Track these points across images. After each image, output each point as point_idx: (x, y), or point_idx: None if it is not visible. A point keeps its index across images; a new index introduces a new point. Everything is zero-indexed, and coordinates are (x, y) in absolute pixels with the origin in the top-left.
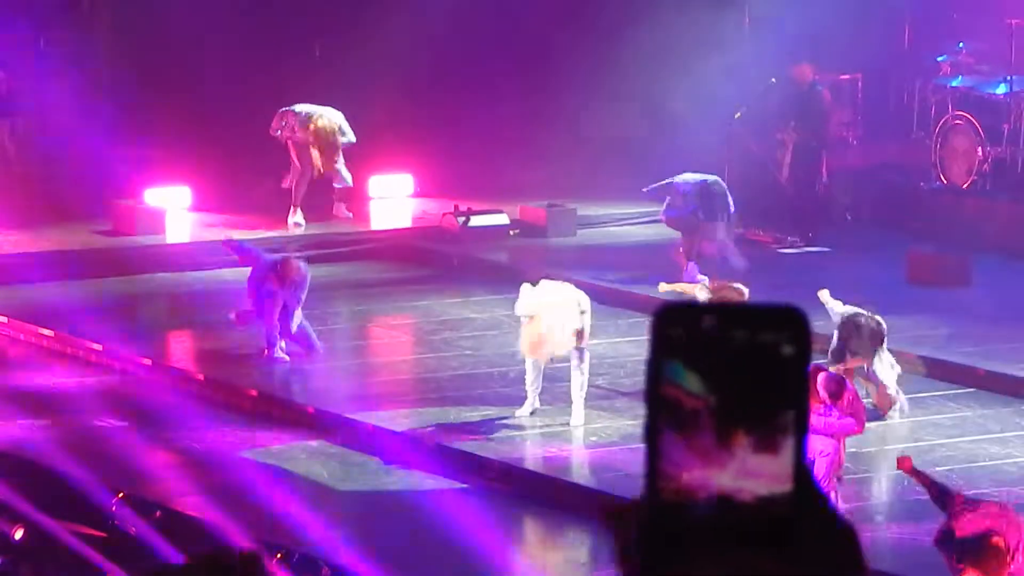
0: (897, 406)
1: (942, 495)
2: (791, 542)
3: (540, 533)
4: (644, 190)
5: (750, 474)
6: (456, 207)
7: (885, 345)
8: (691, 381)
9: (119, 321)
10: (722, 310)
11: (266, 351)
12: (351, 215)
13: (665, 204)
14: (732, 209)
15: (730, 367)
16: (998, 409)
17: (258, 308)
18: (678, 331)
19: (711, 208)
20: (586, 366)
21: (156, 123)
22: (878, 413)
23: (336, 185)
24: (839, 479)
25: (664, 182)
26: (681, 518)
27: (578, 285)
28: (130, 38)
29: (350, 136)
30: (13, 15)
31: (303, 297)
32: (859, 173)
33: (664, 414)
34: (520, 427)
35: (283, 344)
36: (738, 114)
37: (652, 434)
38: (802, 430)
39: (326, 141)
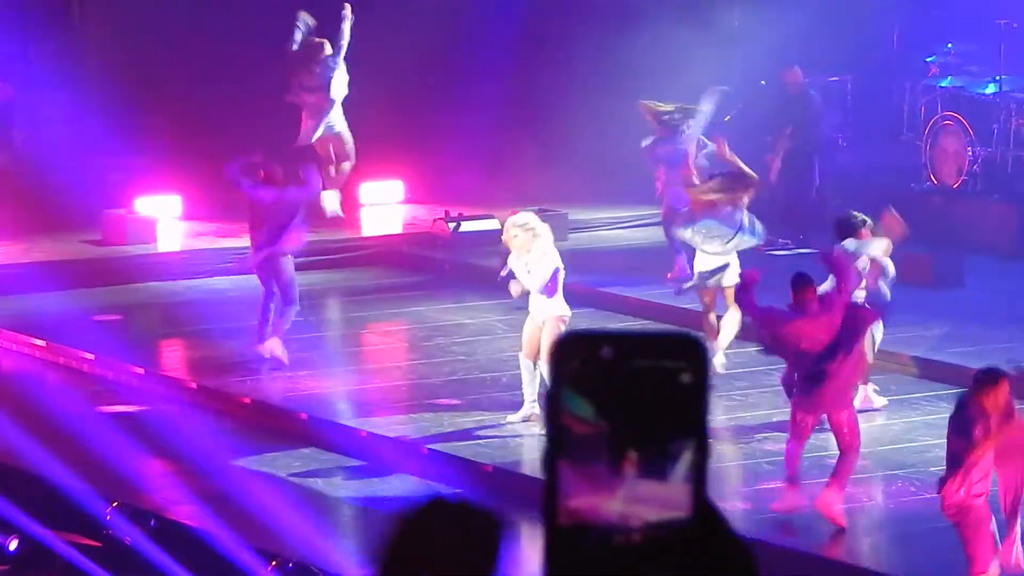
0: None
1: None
2: (687, 568)
3: (535, 538)
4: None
5: (641, 500)
6: (447, 213)
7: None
8: (586, 410)
9: (111, 331)
10: (621, 339)
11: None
12: (342, 215)
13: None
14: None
15: (626, 395)
16: None
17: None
18: (575, 361)
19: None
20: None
21: (147, 132)
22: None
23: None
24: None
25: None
26: (576, 544)
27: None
28: (121, 47)
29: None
30: (2, 27)
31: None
32: (849, 175)
33: (560, 442)
34: (514, 433)
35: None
36: (727, 117)
37: (549, 462)
38: (703, 456)
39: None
